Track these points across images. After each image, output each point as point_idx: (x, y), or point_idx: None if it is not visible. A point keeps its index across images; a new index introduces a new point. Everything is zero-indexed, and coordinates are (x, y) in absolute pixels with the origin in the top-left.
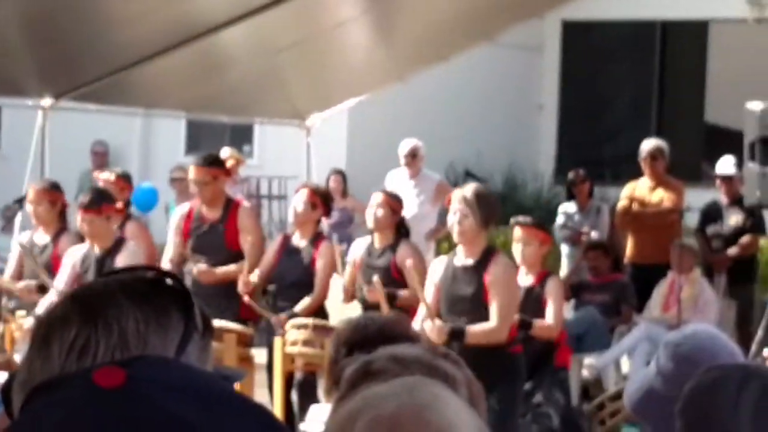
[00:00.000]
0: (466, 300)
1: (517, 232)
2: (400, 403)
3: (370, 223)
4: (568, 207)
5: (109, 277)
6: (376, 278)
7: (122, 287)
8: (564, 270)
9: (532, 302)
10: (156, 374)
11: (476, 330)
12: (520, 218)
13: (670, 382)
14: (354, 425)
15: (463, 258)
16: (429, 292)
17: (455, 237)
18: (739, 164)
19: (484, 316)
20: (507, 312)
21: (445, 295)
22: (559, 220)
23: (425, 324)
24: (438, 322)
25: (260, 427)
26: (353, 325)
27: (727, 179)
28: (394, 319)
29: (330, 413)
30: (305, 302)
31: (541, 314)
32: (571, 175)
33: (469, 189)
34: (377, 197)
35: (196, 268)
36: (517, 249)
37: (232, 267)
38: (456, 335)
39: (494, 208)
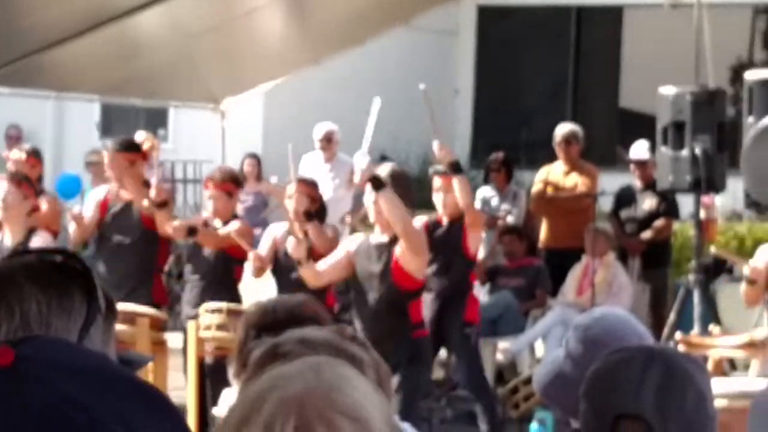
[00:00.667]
0: (374, 276)
1: (437, 181)
2: (307, 384)
3: (288, 212)
4: (486, 191)
5: (12, 259)
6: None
7: (25, 270)
8: (480, 254)
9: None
10: (47, 354)
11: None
12: (438, 167)
13: (579, 366)
14: (261, 406)
15: (378, 236)
16: (338, 255)
17: (371, 217)
18: (653, 149)
19: (393, 292)
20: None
21: (359, 269)
22: (477, 204)
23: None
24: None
25: (151, 410)
26: (262, 308)
27: (641, 164)
28: (303, 302)
29: (237, 395)
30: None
31: (460, 252)
32: (489, 159)
33: (384, 169)
34: (293, 186)
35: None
36: (438, 198)
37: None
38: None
39: (409, 187)
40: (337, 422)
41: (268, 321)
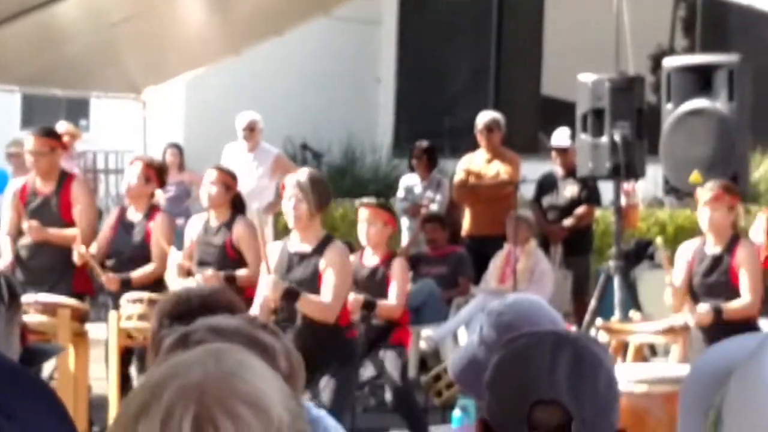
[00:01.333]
0: (302, 287)
1: (363, 212)
2: (206, 371)
3: (204, 201)
4: (410, 179)
5: None
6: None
7: None
8: (403, 241)
9: (377, 282)
10: None
11: (310, 299)
12: (365, 199)
13: (493, 351)
14: (162, 393)
15: (298, 244)
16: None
17: (290, 223)
18: (574, 136)
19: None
20: (339, 292)
21: (283, 278)
22: (400, 193)
23: (265, 278)
24: (275, 276)
25: (37, 403)
26: (175, 297)
27: (562, 151)
28: (216, 290)
29: (139, 382)
30: (143, 270)
31: (384, 295)
32: (413, 147)
33: (303, 174)
34: (211, 175)
35: (28, 224)
36: (362, 229)
37: (66, 231)
38: (290, 295)
39: (328, 192)
40: (236, 409)
41: (181, 310)
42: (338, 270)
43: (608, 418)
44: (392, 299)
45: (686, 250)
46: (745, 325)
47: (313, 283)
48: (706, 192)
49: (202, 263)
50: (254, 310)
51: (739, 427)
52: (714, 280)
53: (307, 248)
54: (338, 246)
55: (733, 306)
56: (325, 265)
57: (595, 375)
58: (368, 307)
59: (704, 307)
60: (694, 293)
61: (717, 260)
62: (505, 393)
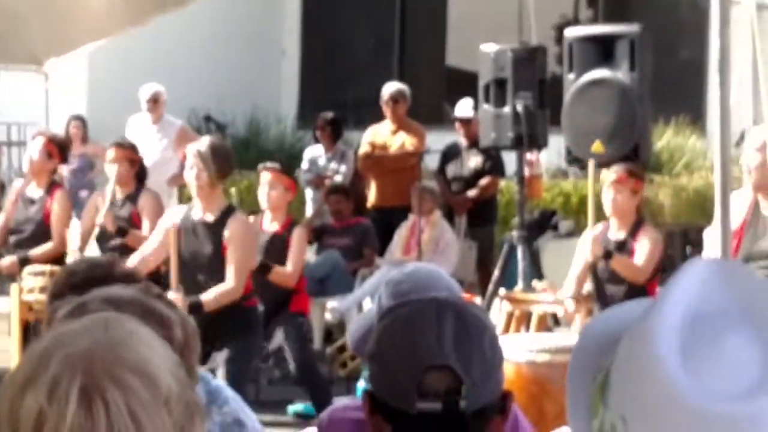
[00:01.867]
0: (205, 256)
1: (265, 176)
2: (94, 340)
3: (111, 179)
4: (315, 150)
5: None
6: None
7: None
8: (308, 213)
9: (276, 249)
10: None
11: (213, 297)
12: (268, 163)
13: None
14: (48, 363)
15: (201, 213)
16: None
17: (192, 192)
18: (477, 107)
19: (222, 271)
20: (243, 269)
21: (187, 247)
22: (305, 164)
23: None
24: (180, 296)
25: None
26: (70, 268)
27: (465, 122)
28: (112, 261)
29: (26, 352)
30: (42, 248)
31: (283, 261)
32: (318, 119)
33: (203, 143)
34: (112, 152)
35: None
36: (263, 193)
37: None
38: (194, 309)
39: (230, 160)
40: (124, 378)
41: (77, 280)
42: (241, 244)
43: (494, 379)
44: (289, 266)
45: (589, 235)
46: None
47: (216, 255)
48: (610, 174)
49: (107, 235)
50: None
51: (625, 388)
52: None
53: (210, 218)
54: (240, 218)
55: (624, 259)
56: (228, 237)
57: (480, 338)
58: (263, 270)
59: (598, 242)
60: (597, 279)
61: (621, 245)
62: (393, 361)
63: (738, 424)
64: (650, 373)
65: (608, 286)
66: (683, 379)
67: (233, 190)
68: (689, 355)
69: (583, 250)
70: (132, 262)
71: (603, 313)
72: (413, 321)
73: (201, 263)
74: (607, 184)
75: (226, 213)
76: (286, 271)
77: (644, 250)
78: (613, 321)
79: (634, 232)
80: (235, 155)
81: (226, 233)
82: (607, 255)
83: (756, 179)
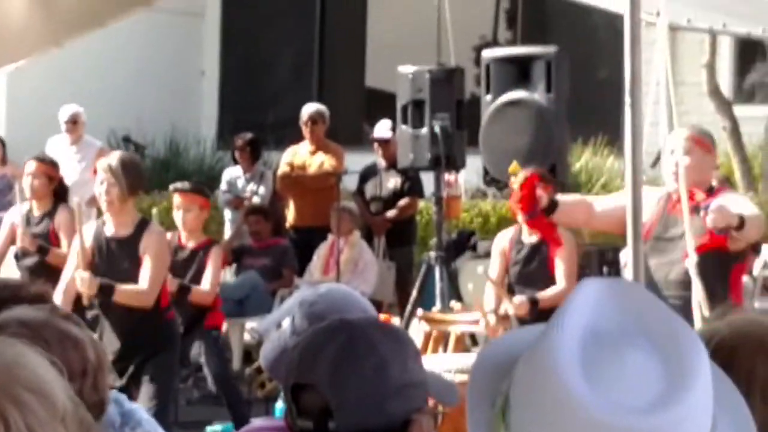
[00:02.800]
0: (122, 272)
1: (177, 198)
2: None
3: (27, 193)
4: (233, 171)
5: None
6: None
7: None
8: (227, 234)
9: (193, 266)
10: None
11: (126, 290)
12: (178, 185)
13: None
14: None
15: (113, 228)
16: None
17: (103, 207)
18: (396, 127)
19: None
20: (157, 278)
21: (102, 264)
22: (223, 185)
23: (77, 274)
24: (88, 274)
25: None
26: None
27: (384, 142)
28: (23, 283)
29: None
30: None
31: (199, 279)
32: (236, 140)
33: (114, 158)
34: (31, 166)
35: None
36: (177, 216)
37: None
38: (105, 291)
39: (140, 175)
40: (22, 396)
41: None
42: (155, 255)
43: (378, 403)
44: (206, 285)
45: (502, 239)
46: None
47: (133, 268)
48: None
49: (25, 254)
50: (57, 297)
51: (526, 410)
52: (533, 269)
53: (123, 233)
54: (155, 230)
55: (548, 294)
56: (143, 249)
57: (362, 361)
58: (182, 291)
59: (520, 299)
60: (510, 283)
61: (535, 248)
62: (285, 376)
63: None
64: (553, 390)
65: (524, 289)
66: (587, 394)
67: (154, 210)
68: (591, 370)
69: (497, 255)
70: (59, 290)
71: (498, 339)
72: (304, 340)
73: (118, 280)
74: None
75: (141, 227)
76: (205, 290)
77: (562, 267)
78: (509, 345)
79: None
80: (145, 170)
81: (141, 246)
82: (534, 302)
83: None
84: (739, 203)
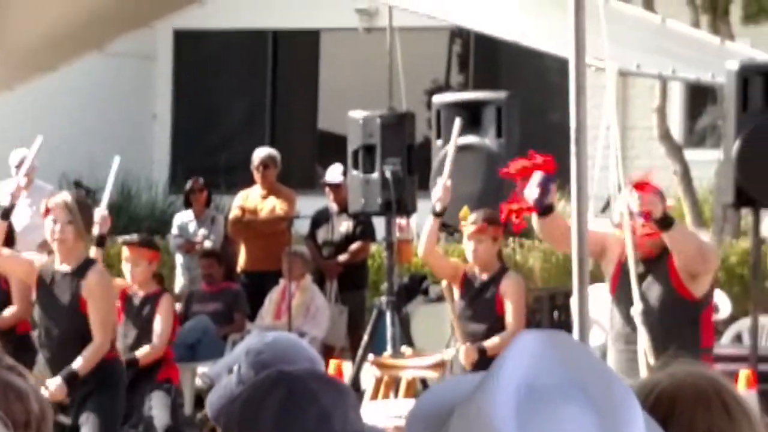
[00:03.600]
0: (61, 306)
1: (125, 251)
2: None
3: None
4: (185, 216)
5: None
6: None
7: None
8: (179, 279)
9: (144, 314)
10: None
11: (84, 362)
12: (127, 238)
13: None
14: None
15: (59, 263)
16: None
17: (54, 245)
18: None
19: (77, 322)
20: (106, 323)
21: (44, 297)
22: (174, 230)
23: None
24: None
25: None
26: None
27: (335, 187)
28: None
29: None
30: None
31: (150, 328)
32: (188, 184)
33: (66, 195)
34: None
35: None
36: (126, 269)
37: None
38: (71, 380)
39: (92, 216)
40: None
41: None
42: (100, 297)
43: None
44: (154, 340)
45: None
46: None
47: (73, 304)
48: (469, 225)
49: None
50: None
51: None
52: (479, 305)
53: (67, 268)
54: (99, 270)
55: (496, 342)
56: (87, 290)
57: (304, 412)
58: (130, 365)
59: (468, 347)
60: (460, 320)
61: (484, 287)
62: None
63: None
64: None
65: (470, 324)
66: None
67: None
68: (526, 426)
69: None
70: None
71: (433, 388)
72: (246, 393)
73: (57, 314)
74: (466, 235)
75: (86, 264)
76: (153, 351)
77: (511, 309)
78: (445, 394)
79: (497, 277)
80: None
81: (84, 284)
82: (482, 352)
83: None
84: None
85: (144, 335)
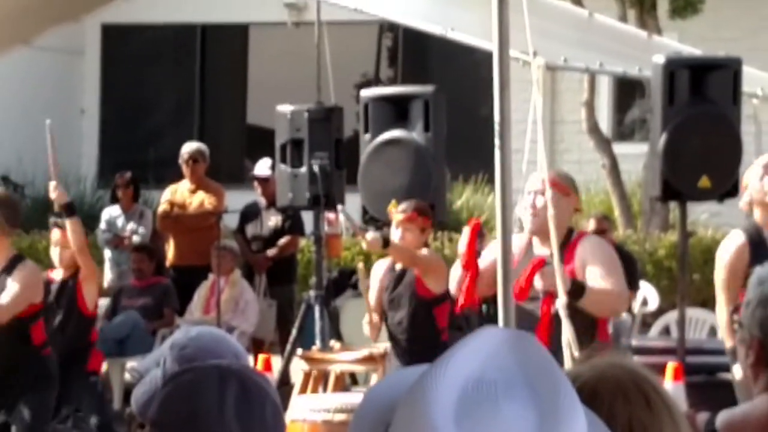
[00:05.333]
0: None
1: (55, 234)
2: None
3: None
4: (113, 210)
5: None
6: None
7: None
8: (107, 273)
9: (65, 295)
10: None
11: None
12: (59, 220)
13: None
14: None
15: None
16: None
17: None
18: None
19: (12, 322)
20: (18, 298)
21: None
22: (103, 224)
23: None
24: None
25: None
26: None
27: (263, 181)
28: None
29: None
30: None
31: (74, 306)
32: (116, 178)
33: None
34: None
35: None
36: (54, 252)
37: None
38: None
39: (17, 212)
40: None
41: None
42: (23, 281)
43: None
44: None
45: (379, 268)
46: (435, 343)
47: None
48: (398, 213)
49: None
50: None
51: None
52: (398, 293)
53: None
54: (28, 264)
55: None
56: (12, 279)
57: (263, 406)
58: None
59: (373, 235)
60: (384, 308)
61: (401, 275)
62: (174, 428)
63: None
64: None
65: (391, 313)
66: None
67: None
68: (463, 420)
69: (375, 280)
70: None
71: (380, 381)
72: (195, 388)
73: None
74: (395, 223)
75: (15, 261)
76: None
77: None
78: (393, 386)
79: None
80: (25, 210)
81: (10, 279)
82: (387, 241)
83: (531, 222)
84: (596, 262)
85: (70, 314)
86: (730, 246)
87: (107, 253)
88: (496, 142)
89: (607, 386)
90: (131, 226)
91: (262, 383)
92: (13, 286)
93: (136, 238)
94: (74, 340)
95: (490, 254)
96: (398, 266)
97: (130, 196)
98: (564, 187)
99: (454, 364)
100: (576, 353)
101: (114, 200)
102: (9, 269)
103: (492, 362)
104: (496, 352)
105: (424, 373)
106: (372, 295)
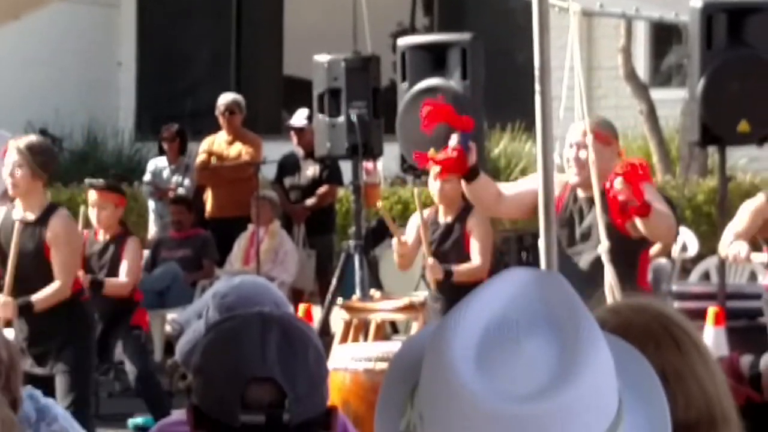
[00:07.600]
0: (26, 255)
1: (92, 195)
2: None
3: None
4: (159, 162)
5: None
6: None
7: None
8: (151, 226)
9: (109, 261)
10: None
11: (43, 297)
12: (93, 181)
13: None
14: None
15: (21, 212)
16: None
17: (10, 190)
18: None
19: (44, 271)
20: (68, 267)
21: (6, 246)
22: (147, 176)
23: None
24: (5, 298)
25: None
26: None
27: (300, 131)
28: None
29: None
30: None
31: (116, 271)
32: (162, 131)
33: (23, 140)
34: None
35: None
36: (93, 213)
37: None
38: (24, 309)
39: (51, 159)
40: None
41: None
42: (64, 242)
43: (319, 394)
44: (122, 277)
45: (418, 219)
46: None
47: (38, 254)
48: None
49: None
50: None
51: (425, 388)
52: (447, 247)
53: (31, 217)
54: (63, 215)
55: (463, 268)
56: (51, 236)
57: (305, 352)
58: (94, 286)
59: (434, 261)
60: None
61: (449, 228)
62: (217, 374)
63: (524, 424)
64: (443, 377)
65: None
66: (474, 382)
67: (82, 209)
68: (484, 359)
69: (412, 231)
70: None
71: (410, 337)
72: (237, 335)
73: (23, 262)
74: (433, 175)
75: (48, 211)
76: (119, 282)
77: (477, 246)
78: (420, 341)
79: (462, 216)
80: (63, 163)
81: (49, 233)
82: (448, 275)
83: (577, 175)
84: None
85: (110, 277)
86: (755, 200)
87: (151, 205)
88: (537, 87)
89: (636, 334)
90: (177, 178)
91: (304, 329)
92: (57, 254)
93: (181, 190)
94: (116, 301)
95: (530, 183)
96: (445, 220)
97: (177, 149)
98: (605, 137)
99: (475, 306)
100: (619, 297)
101: (161, 152)
102: (43, 219)
103: (515, 303)
104: (520, 293)
105: (447, 316)
106: (410, 237)
